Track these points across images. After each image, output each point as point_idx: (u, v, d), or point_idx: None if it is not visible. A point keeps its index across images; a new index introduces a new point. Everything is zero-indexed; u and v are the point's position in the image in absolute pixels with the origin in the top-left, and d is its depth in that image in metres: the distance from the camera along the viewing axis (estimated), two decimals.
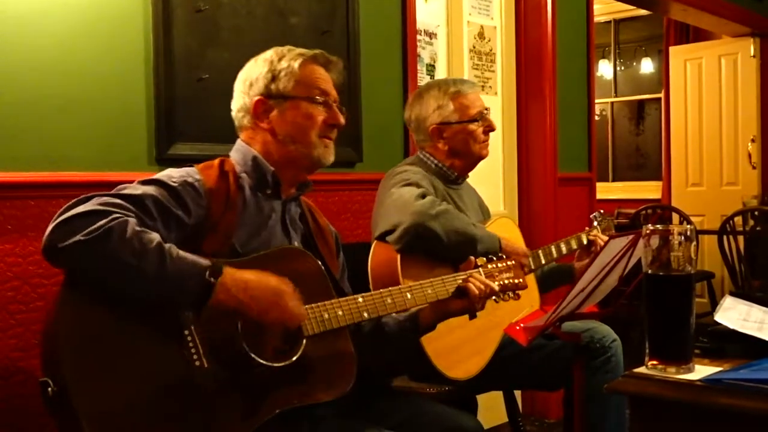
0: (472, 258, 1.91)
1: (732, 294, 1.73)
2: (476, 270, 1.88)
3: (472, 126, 2.40)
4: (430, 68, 3.61)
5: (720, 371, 1.34)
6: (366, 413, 1.78)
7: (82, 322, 1.41)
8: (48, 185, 2.05)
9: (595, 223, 2.53)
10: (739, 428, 1.26)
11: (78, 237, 1.39)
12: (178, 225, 1.56)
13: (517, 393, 3.00)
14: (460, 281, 1.83)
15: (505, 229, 2.43)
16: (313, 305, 1.61)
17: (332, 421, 1.68)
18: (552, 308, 1.73)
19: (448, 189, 2.41)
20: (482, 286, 1.83)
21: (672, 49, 6.72)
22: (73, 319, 1.40)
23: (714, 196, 6.31)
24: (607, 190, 7.20)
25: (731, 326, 1.48)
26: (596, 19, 4.49)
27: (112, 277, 1.42)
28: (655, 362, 1.36)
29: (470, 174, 2.53)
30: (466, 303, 1.82)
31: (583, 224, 2.60)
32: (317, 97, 1.75)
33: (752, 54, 6.13)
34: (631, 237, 1.64)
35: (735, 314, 1.56)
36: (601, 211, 2.60)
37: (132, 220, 1.45)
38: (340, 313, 1.64)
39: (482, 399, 2.45)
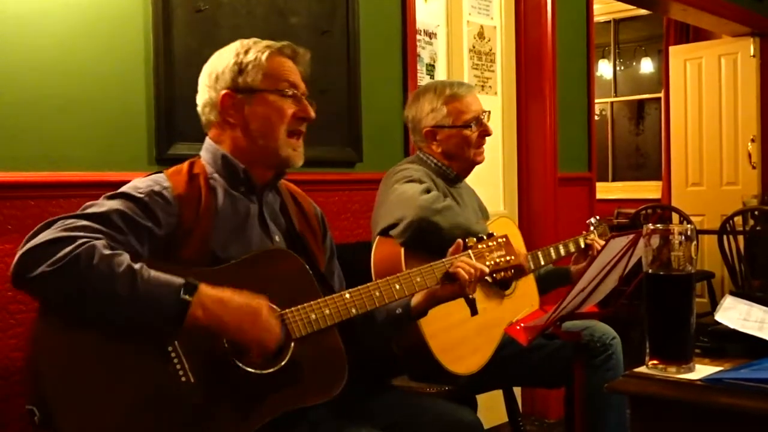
0: (460, 240, 1.86)
1: (732, 294, 1.73)
2: (465, 253, 1.84)
3: (466, 131, 2.38)
4: (430, 68, 3.61)
5: (720, 371, 1.34)
6: (365, 413, 1.77)
7: (62, 348, 1.38)
8: (48, 185, 2.05)
9: (592, 228, 2.53)
10: (739, 428, 1.26)
11: (43, 268, 1.36)
12: (149, 237, 1.53)
13: (517, 393, 3.00)
14: (449, 266, 1.80)
15: (505, 229, 2.41)
16: (299, 307, 1.57)
17: (331, 423, 1.66)
18: (552, 308, 1.73)
19: (448, 187, 2.40)
20: (471, 270, 1.78)
21: (672, 49, 6.72)
22: (52, 347, 1.38)
23: (714, 196, 6.30)
24: (607, 190, 7.20)
25: (732, 326, 1.48)
26: (596, 18, 4.49)
27: (83, 304, 1.39)
28: (655, 362, 1.36)
29: (470, 174, 2.53)
30: (456, 288, 1.79)
31: (583, 224, 2.60)
32: (286, 90, 1.70)
33: (752, 54, 6.13)
34: (631, 237, 1.64)
35: (735, 314, 1.56)
36: (597, 217, 2.61)
37: (99, 243, 1.41)
38: (328, 312, 1.60)
39: (482, 399, 2.45)
